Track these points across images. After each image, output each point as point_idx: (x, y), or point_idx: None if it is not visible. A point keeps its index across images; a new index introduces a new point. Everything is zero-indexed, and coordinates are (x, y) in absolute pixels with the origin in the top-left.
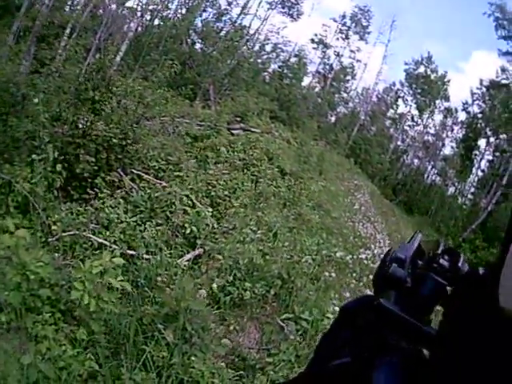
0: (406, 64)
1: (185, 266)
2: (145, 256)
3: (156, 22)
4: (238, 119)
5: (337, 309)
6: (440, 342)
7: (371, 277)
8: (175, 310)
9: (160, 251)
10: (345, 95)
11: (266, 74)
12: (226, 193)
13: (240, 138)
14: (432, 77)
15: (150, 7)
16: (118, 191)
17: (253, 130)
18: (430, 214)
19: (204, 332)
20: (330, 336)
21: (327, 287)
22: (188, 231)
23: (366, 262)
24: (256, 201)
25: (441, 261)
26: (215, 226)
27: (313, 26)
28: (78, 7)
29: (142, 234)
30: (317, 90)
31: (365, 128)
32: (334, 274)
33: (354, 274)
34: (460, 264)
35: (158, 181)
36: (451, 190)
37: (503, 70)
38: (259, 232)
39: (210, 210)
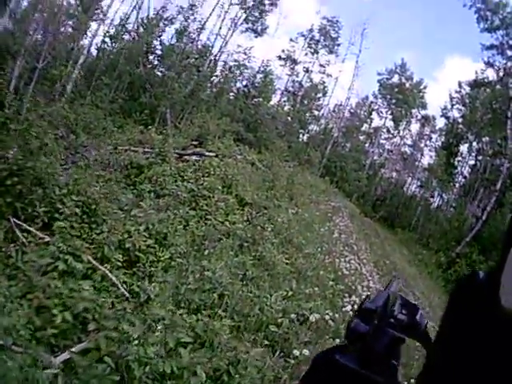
0: (378, 74)
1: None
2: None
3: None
4: (195, 143)
5: None
6: (441, 342)
7: None
8: None
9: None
10: (316, 113)
11: (230, 94)
12: (151, 242)
13: (192, 164)
14: (407, 85)
15: (106, 29)
16: (12, 245)
17: (207, 154)
18: (414, 228)
19: None
20: None
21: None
22: (60, 319)
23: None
24: (200, 246)
25: (398, 316)
26: (127, 296)
27: (280, 44)
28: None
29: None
30: (286, 108)
31: (339, 145)
32: (307, 351)
33: (338, 340)
34: (418, 317)
35: (41, 234)
36: (434, 200)
37: (490, 64)
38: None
39: (118, 271)
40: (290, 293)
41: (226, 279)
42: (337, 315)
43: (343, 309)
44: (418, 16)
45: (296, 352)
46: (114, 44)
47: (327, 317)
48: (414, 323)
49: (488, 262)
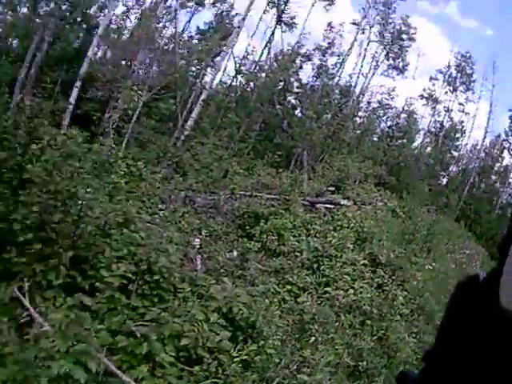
0: (510, 110)
1: None
2: None
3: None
4: (332, 189)
5: None
6: (442, 342)
7: None
8: None
9: None
10: (455, 153)
11: (374, 135)
12: (226, 334)
13: (323, 215)
14: None
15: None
16: None
17: (342, 202)
18: None
19: None
20: None
21: None
22: None
23: None
24: (305, 330)
25: None
26: None
27: (419, 84)
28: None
29: None
30: (428, 150)
31: (474, 186)
32: None
33: None
34: None
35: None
36: None
37: None
38: None
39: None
40: None
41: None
42: None
43: None
44: None
45: None
46: (243, 80)
47: None
48: None
49: None
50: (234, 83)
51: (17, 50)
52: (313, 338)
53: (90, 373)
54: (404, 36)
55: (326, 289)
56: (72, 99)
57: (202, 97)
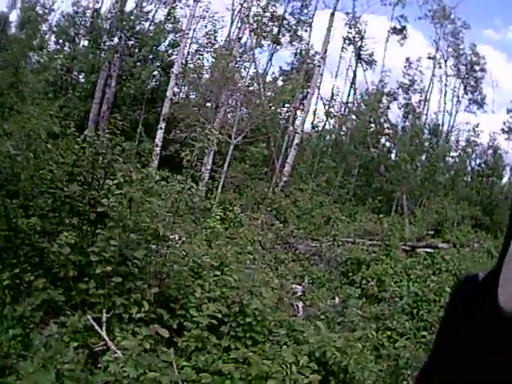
0: None
1: None
2: None
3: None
4: (432, 233)
5: None
6: (441, 342)
7: None
8: None
9: None
10: None
11: (465, 175)
12: (315, 377)
13: (423, 259)
14: None
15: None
16: None
17: (441, 245)
18: None
19: None
20: None
21: None
22: None
23: None
24: (400, 376)
25: None
26: None
27: (498, 117)
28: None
29: None
30: None
31: None
32: None
33: None
34: None
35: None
36: None
37: None
38: None
39: None
40: None
41: None
42: None
43: None
44: None
45: None
46: (333, 122)
47: None
48: None
49: None
50: (326, 126)
51: (83, 85)
52: (405, 383)
53: None
54: (476, 67)
55: (423, 333)
56: (158, 141)
57: (296, 141)
